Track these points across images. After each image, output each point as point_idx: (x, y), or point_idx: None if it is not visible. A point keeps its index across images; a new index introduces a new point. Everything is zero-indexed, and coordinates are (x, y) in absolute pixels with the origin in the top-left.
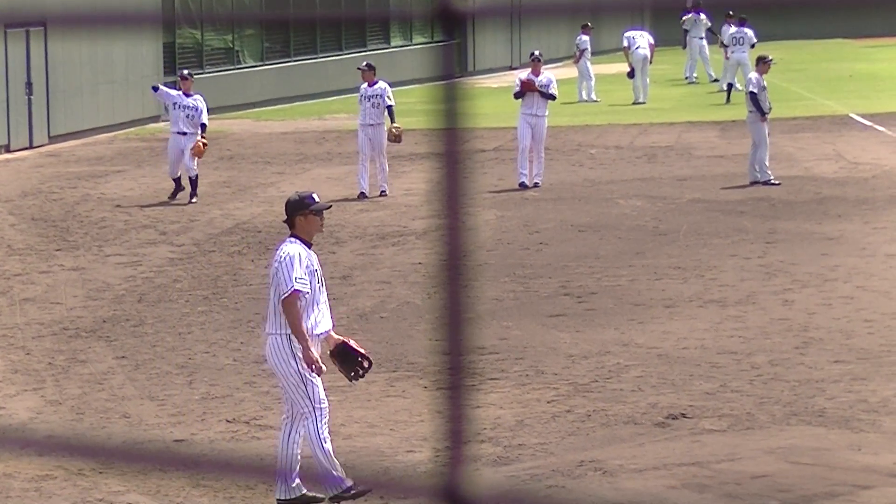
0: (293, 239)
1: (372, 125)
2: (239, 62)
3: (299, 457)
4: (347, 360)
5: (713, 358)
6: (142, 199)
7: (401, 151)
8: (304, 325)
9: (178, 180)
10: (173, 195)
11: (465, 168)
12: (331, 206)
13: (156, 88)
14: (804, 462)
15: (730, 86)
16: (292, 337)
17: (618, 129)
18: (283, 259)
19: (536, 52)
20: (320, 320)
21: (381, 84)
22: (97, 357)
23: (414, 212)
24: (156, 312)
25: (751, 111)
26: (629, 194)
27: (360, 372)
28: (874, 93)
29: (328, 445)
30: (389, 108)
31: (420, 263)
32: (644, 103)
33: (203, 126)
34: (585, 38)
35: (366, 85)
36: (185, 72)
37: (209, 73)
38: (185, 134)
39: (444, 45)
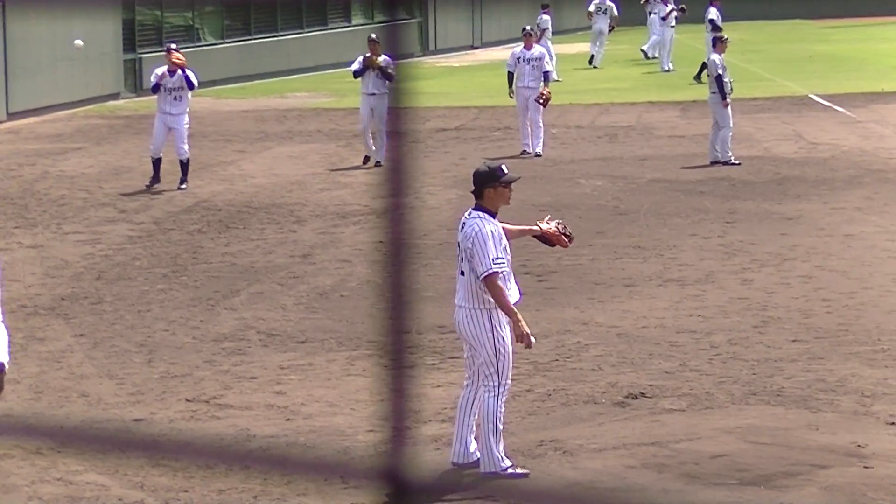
0: (481, 212)
1: (374, 94)
2: (199, 40)
3: (474, 424)
4: (549, 241)
5: (673, 337)
6: (101, 177)
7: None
8: (509, 299)
9: (157, 163)
10: (151, 184)
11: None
12: (520, 178)
13: (156, 89)
14: (762, 442)
15: (703, 64)
16: (492, 312)
17: (579, 108)
18: (477, 236)
19: (528, 27)
20: (513, 292)
21: (385, 57)
22: (55, 335)
23: (375, 190)
24: (115, 290)
25: (713, 92)
26: (590, 174)
27: (569, 238)
28: (833, 74)
29: (501, 425)
30: (391, 76)
31: (381, 242)
32: (597, 68)
33: (190, 84)
34: (546, 17)
35: (369, 56)
36: (173, 45)
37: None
38: (171, 115)
39: (404, 24)
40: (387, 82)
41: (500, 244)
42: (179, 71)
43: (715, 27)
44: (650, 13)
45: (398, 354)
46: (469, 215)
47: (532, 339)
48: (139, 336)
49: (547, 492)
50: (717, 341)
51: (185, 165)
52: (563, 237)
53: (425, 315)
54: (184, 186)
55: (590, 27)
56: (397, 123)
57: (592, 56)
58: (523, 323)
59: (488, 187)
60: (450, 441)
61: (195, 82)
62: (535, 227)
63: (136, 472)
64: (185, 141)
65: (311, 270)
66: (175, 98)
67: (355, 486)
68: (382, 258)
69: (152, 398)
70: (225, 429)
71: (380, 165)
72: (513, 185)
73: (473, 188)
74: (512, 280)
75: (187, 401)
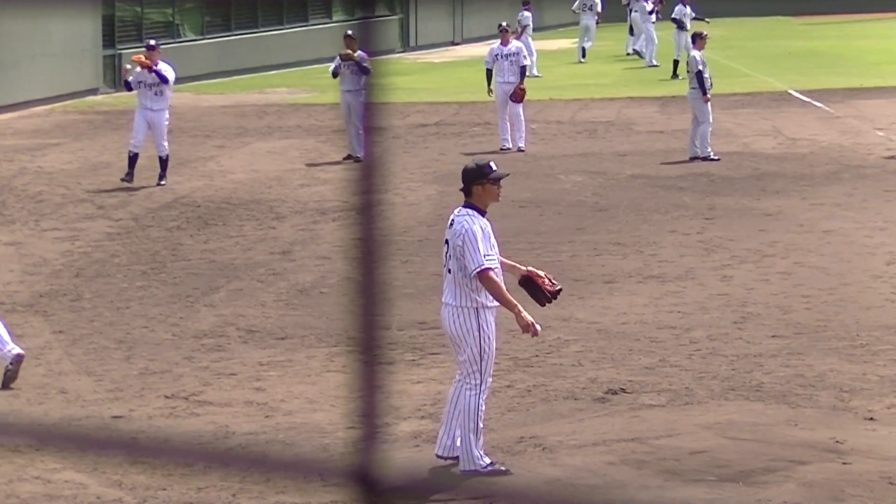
0: (469, 209)
1: (350, 91)
2: (179, 36)
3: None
4: (532, 288)
5: (652, 333)
6: (79, 173)
7: (339, 126)
8: (486, 300)
9: (134, 159)
10: (125, 178)
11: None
12: (508, 175)
13: (129, 87)
14: (742, 437)
15: (675, 61)
16: (479, 310)
17: (558, 104)
18: (466, 234)
19: (504, 24)
20: None
21: (360, 52)
22: (34, 332)
23: (354, 186)
24: (93, 287)
25: (693, 88)
26: (570, 170)
27: (550, 297)
28: (812, 69)
29: (481, 423)
30: (366, 70)
31: (361, 239)
32: (582, 62)
33: (163, 78)
34: (527, 14)
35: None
36: (153, 42)
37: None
38: (152, 110)
39: (380, 21)
40: (363, 78)
41: (489, 241)
42: (162, 66)
43: (680, 25)
44: (633, 11)
45: (371, 350)
46: (458, 213)
47: (538, 326)
48: (118, 333)
49: (526, 489)
50: (696, 337)
51: (164, 162)
52: (547, 290)
53: (405, 311)
54: (163, 182)
55: (577, 23)
56: (372, 119)
57: (584, 50)
58: (525, 313)
59: (477, 184)
60: (430, 437)
61: (168, 76)
62: (522, 268)
63: (115, 470)
64: (165, 137)
65: (291, 267)
66: (155, 93)
67: (335, 484)
68: (361, 255)
69: (131, 395)
70: (204, 426)
71: (358, 161)
72: (501, 182)
73: (462, 185)
74: (500, 278)
75: (166, 397)
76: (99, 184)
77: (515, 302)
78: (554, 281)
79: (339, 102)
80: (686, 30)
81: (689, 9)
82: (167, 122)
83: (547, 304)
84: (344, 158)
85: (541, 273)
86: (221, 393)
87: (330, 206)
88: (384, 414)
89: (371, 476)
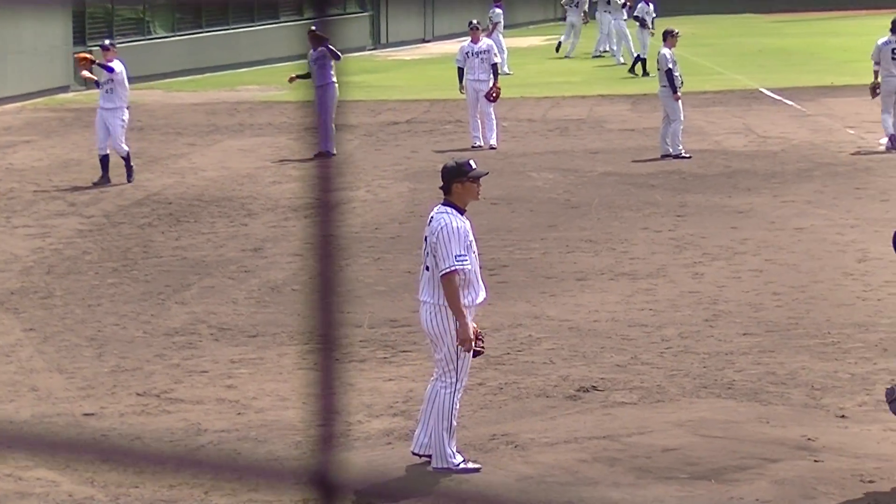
0: (448, 207)
1: (319, 87)
2: (150, 33)
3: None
4: None
5: (624, 330)
6: (50, 170)
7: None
8: (462, 300)
9: (103, 160)
10: (100, 180)
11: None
12: (488, 173)
13: (98, 84)
14: (713, 435)
15: (637, 57)
16: None
17: (530, 102)
18: (442, 231)
19: (475, 21)
20: (479, 291)
21: (323, 49)
22: (5, 329)
23: (321, 184)
24: (65, 284)
25: (663, 86)
26: (541, 167)
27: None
28: (783, 67)
29: (455, 422)
30: (337, 55)
31: (332, 236)
32: (569, 57)
33: (107, 68)
34: (498, 11)
35: (312, 50)
36: (107, 42)
37: (120, 43)
38: (105, 109)
39: (354, 18)
40: (331, 70)
41: (465, 241)
42: (115, 63)
43: (643, 23)
44: (604, 11)
45: (330, 347)
46: (437, 210)
47: (476, 348)
48: (89, 330)
49: (498, 486)
50: (668, 335)
51: (126, 161)
52: (474, 341)
53: (378, 309)
54: (132, 180)
55: (550, 20)
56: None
57: (565, 45)
58: (469, 328)
59: (456, 182)
60: (402, 435)
61: (112, 66)
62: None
63: (87, 468)
64: (121, 137)
65: (263, 264)
66: (107, 91)
67: (307, 482)
68: (320, 252)
69: (103, 392)
70: (176, 423)
71: (332, 156)
72: (481, 180)
73: (442, 184)
74: (479, 279)
75: (138, 395)
76: (70, 181)
77: (465, 314)
78: (481, 345)
79: (313, 99)
80: (648, 28)
81: (651, 7)
82: (123, 121)
83: (464, 347)
84: (315, 155)
85: (480, 335)
86: (193, 390)
87: (302, 202)
88: (345, 412)
89: (329, 476)
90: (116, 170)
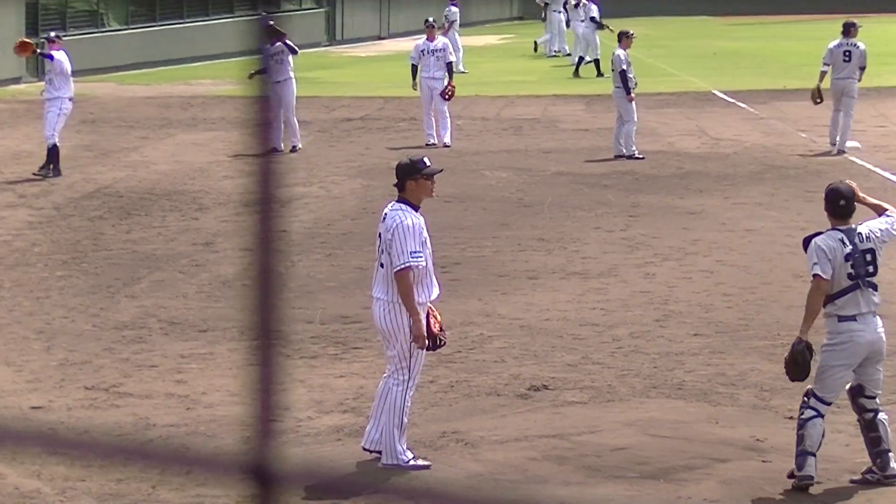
0: (402, 205)
1: (277, 82)
2: (103, 25)
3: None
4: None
5: (575, 330)
6: (1, 162)
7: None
8: (415, 298)
9: (50, 151)
10: (46, 173)
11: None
12: (442, 171)
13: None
14: (663, 435)
15: (580, 59)
16: None
17: (484, 100)
18: (397, 228)
19: (430, 19)
20: (432, 288)
21: (281, 44)
22: None
23: (278, 179)
24: (13, 276)
25: (617, 87)
26: (495, 166)
27: (438, 343)
28: (737, 70)
29: (406, 419)
30: (294, 50)
31: (284, 231)
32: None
33: (49, 57)
34: (455, 9)
35: (269, 44)
36: (52, 34)
37: (73, 35)
38: (47, 100)
39: (310, 14)
40: (289, 65)
41: (420, 238)
42: (59, 54)
43: (598, 24)
44: (556, 11)
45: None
46: (391, 207)
47: (427, 342)
48: (38, 323)
49: (448, 483)
50: (619, 335)
51: (49, 151)
52: (434, 333)
53: (329, 305)
54: (50, 175)
55: (503, 19)
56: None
57: (540, 42)
58: (422, 325)
59: (410, 179)
60: (353, 431)
61: (52, 54)
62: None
63: (34, 461)
64: (54, 128)
65: (214, 259)
66: (48, 82)
67: (243, 477)
68: (285, 247)
69: (50, 386)
70: (124, 417)
71: (294, 150)
72: (435, 178)
73: (396, 181)
74: (432, 275)
75: (86, 389)
76: (20, 173)
77: (418, 311)
78: (442, 336)
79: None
80: (605, 27)
81: (594, 7)
82: (61, 110)
83: (423, 345)
84: (268, 151)
85: (437, 318)
86: (142, 385)
87: (254, 197)
88: (280, 407)
89: (267, 471)
90: (68, 162)
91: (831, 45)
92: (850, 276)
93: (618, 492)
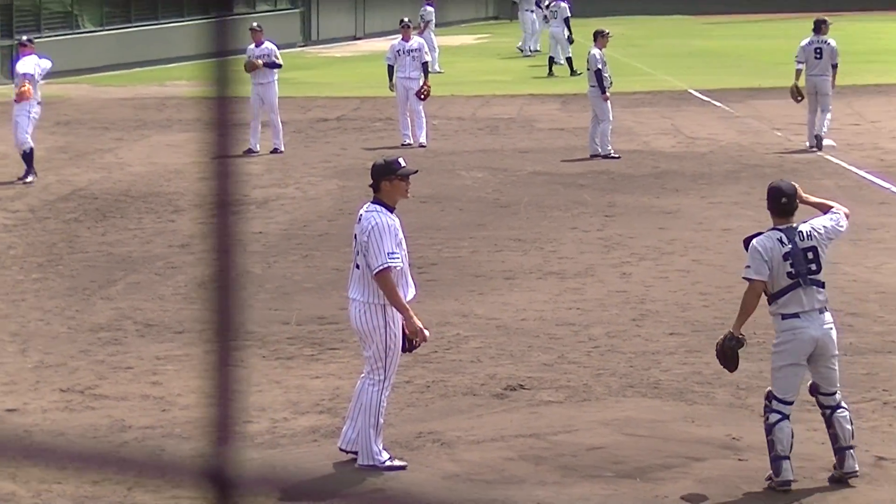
0: (378, 206)
1: (262, 84)
2: (78, 26)
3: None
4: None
5: (551, 329)
6: None
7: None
8: (398, 296)
9: (24, 155)
10: (25, 175)
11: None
12: (417, 171)
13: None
14: (639, 434)
15: (551, 59)
16: (387, 307)
17: (460, 100)
18: (373, 230)
19: (406, 19)
20: (408, 289)
21: (268, 44)
22: None
23: (255, 180)
24: None
25: (592, 86)
26: (471, 166)
27: (415, 343)
28: (712, 69)
29: (381, 419)
30: (278, 65)
31: (260, 232)
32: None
33: (27, 76)
34: (430, 9)
35: (253, 45)
36: (25, 38)
37: (47, 37)
38: (16, 102)
39: (285, 14)
40: (275, 69)
41: (396, 238)
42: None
43: (568, 27)
44: (528, 10)
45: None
46: (366, 209)
47: (426, 332)
48: (13, 325)
49: (424, 484)
50: (595, 334)
51: (25, 156)
52: (409, 339)
53: (305, 306)
54: (28, 180)
55: (479, 19)
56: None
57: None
58: (416, 319)
59: (385, 180)
60: (328, 432)
61: (30, 73)
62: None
63: (9, 464)
64: (25, 132)
65: (190, 261)
66: (16, 85)
67: (196, 479)
68: (262, 248)
69: (26, 388)
70: (100, 419)
71: (277, 152)
72: (411, 178)
73: (371, 181)
74: (408, 276)
75: (62, 391)
76: None
77: (407, 306)
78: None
79: (251, 95)
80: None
81: (564, 6)
82: (29, 113)
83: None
84: (244, 152)
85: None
86: (118, 387)
87: (213, 200)
88: (240, 410)
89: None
90: (44, 164)
91: (803, 42)
92: (789, 274)
93: (594, 491)
